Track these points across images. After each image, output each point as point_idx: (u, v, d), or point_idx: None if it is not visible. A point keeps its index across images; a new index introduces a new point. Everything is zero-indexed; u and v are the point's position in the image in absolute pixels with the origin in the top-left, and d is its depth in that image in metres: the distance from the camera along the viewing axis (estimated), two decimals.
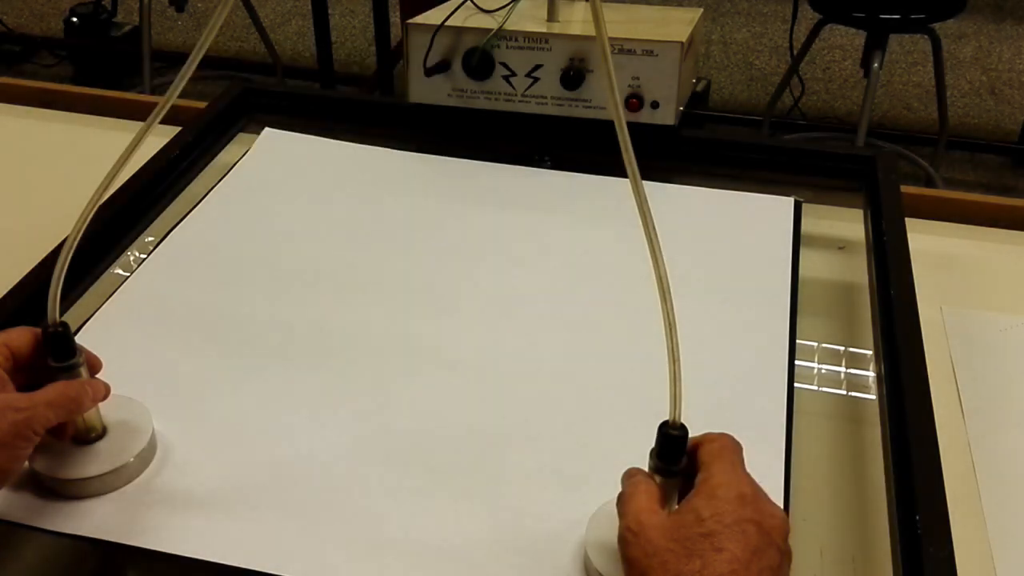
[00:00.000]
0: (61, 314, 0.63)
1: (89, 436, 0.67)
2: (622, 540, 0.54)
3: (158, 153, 1.02)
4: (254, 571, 0.63)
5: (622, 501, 0.57)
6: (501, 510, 0.67)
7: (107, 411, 0.68)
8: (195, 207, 0.99)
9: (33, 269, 0.85)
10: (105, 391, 0.66)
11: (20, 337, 0.64)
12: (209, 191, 1.02)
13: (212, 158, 1.08)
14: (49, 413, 0.61)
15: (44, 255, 0.87)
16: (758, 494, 0.55)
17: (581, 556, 0.64)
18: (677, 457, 0.57)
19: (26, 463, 0.62)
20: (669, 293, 0.59)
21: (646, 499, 0.56)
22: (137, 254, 0.94)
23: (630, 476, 0.59)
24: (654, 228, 0.59)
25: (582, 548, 0.63)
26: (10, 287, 0.83)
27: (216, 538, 0.65)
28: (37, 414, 0.60)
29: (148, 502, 0.67)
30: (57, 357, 0.63)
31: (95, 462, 0.66)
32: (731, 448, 0.58)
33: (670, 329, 0.58)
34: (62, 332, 0.63)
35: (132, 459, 0.67)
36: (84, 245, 0.88)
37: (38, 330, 0.64)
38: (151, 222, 0.98)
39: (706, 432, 0.59)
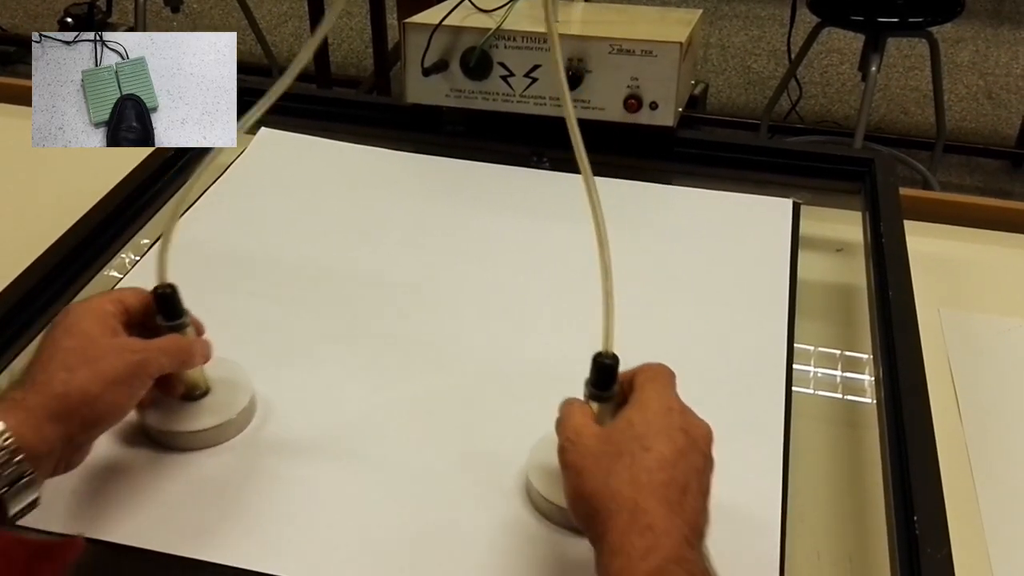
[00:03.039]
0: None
1: (195, 393, 0.73)
2: (561, 450, 0.58)
3: (153, 153, 1.02)
4: (253, 571, 0.63)
5: (559, 421, 0.60)
6: (499, 509, 0.67)
7: (210, 371, 0.73)
8: (190, 207, 0.99)
9: (29, 266, 0.85)
10: (210, 351, 0.70)
11: (133, 295, 0.67)
12: (205, 191, 1.01)
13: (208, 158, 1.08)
14: (163, 359, 0.65)
15: (37, 254, 0.86)
16: (686, 410, 0.59)
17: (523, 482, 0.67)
18: (609, 384, 0.62)
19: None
20: (606, 240, 0.67)
21: (581, 416, 0.60)
22: (131, 255, 0.94)
23: (567, 403, 0.62)
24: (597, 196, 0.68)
25: (524, 474, 0.69)
26: (9, 281, 0.83)
27: (212, 537, 0.65)
28: (152, 357, 0.64)
29: (144, 502, 0.67)
30: (167, 316, 0.68)
31: (204, 417, 0.72)
32: (664, 373, 0.62)
33: (605, 273, 0.66)
34: (171, 293, 0.68)
35: (236, 415, 0.72)
36: (78, 245, 0.89)
37: (148, 293, 0.67)
38: (146, 223, 0.98)
39: (648, 363, 0.63)
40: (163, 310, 0.68)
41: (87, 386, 0.60)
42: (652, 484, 0.54)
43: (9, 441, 0.56)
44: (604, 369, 0.62)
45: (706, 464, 0.57)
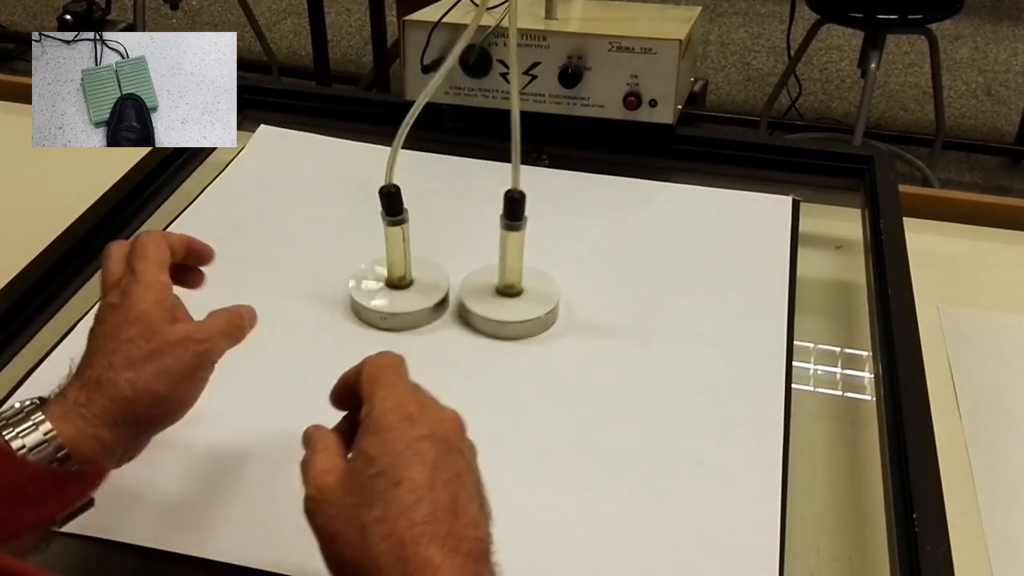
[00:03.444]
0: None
1: (402, 284, 0.85)
2: (307, 512, 0.51)
3: (153, 150, 1.02)
4: (252, 569, 0.63)
5: (302, 468, 0.53)
6: (497, 509, 0.67)
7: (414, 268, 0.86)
8: (190, 204, 0.99)
9: (28, 264, 0.85)
10: (255, 314, 0.67)
11: (179, 241, 0.66)
12: (204, 189, 1.01)
13: (207, 155, 1.08)
14: (223, 343, 0.62)
15: (36, 252, 0.87)
16: (424, 405, 0.53)
17: None
18: (519, 215, 0.72)
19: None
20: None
21: (324, 458, 0.52)
22: None
23: (307, 437, 0.55)
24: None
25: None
26: (8, 280, 0.83)
27: (208, 538, 0.65)
28: (215, 345, 0.61)
29: (141, 500, 0.67)
30: (390, 212, 0.80)
31: (412, 301, 0.84)
32: (388, 366, 0.55)
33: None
34: (396, 192, 0.80)
35: (432, 305, 0.84)
36: (78, 243, 0.89)
37: (161, 232, 0.65)
38: (146, 220, 0.98)
39: (367, 357, 0.56)
40: (387, 208, 0.81)
41: (155, 386, 0.57)
42: (415, 529, 0.47)
43: (62, 453, 0.53)
44: (513, 202, 0.75)
45: (464, 461, 0.52)
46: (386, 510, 0.48)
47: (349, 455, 0.52)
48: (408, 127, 0.78)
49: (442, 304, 0.86)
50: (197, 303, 0.67)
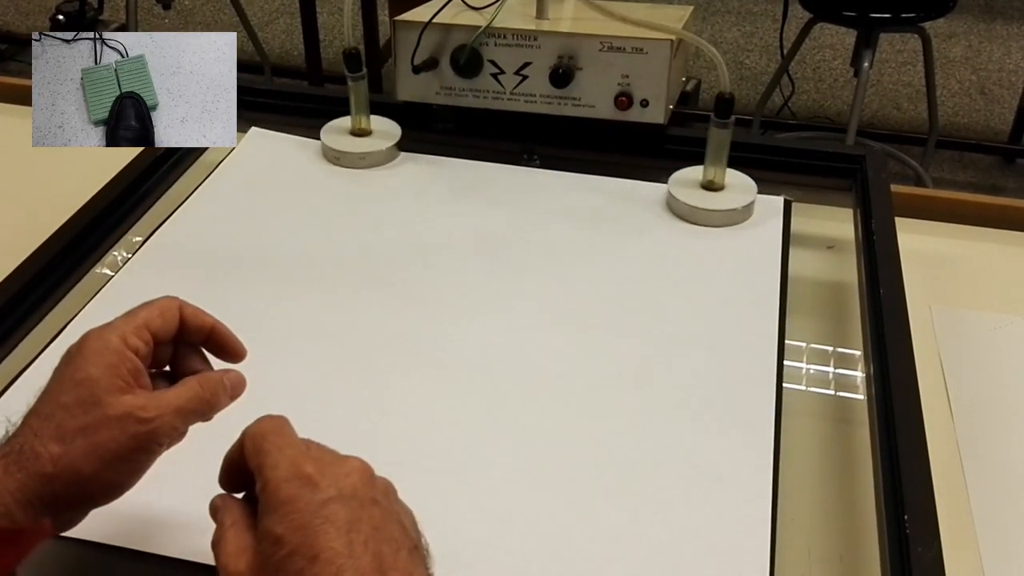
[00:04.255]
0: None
1: (363, 133, 1.07)
2: None
3: (144, 151, 1.02)
4: None
5: (213, 548, 0.48)
6: (491, 510, 0.67)
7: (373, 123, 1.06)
8: (180, 206, 0.98)
9: (20, 264, 0.85)
10: (243, 384, 0.59)
11: (161, 317, 0.57)
12: (195, 190, 1.01)
13: (198, 156, 1.08)
14: (177, 422, 0.54)
15: (29, 251, 0.86)
16: (322, 463, 0.48)
17: None
18: (728, 113, 0.93)
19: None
20: None
21: (233, 536, 0.48)
22: (123, 253, 0.94)
23: (214, 509, 0.50)
24: None
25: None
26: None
27: (202, 538, 0.64)
28: (163, 425, 0.53)
29: (134, 504, 0.66)
30: (352, 69, 1.02)
31: (368, 146, 1.06)
32: (271, 431, 0.50)
33: None
34: (357, 52, 1.02)
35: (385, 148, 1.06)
36: (69, 243, 0.89)
37: (178, 307, 0.59)
38: (137, 221, 0.97)
39: (245, 428, 0.51)
40: (349, 66, 1.02)
41: (79, 465, 0.51)
42: None
43: None
44: (724, 102, 0.91)
45: (381, 510, 0.47)
46: None
47: (256, 536, 0.47)
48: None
49: (395, 147, 1.06)
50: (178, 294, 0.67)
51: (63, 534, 0.59)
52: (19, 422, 0.53)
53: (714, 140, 0.97)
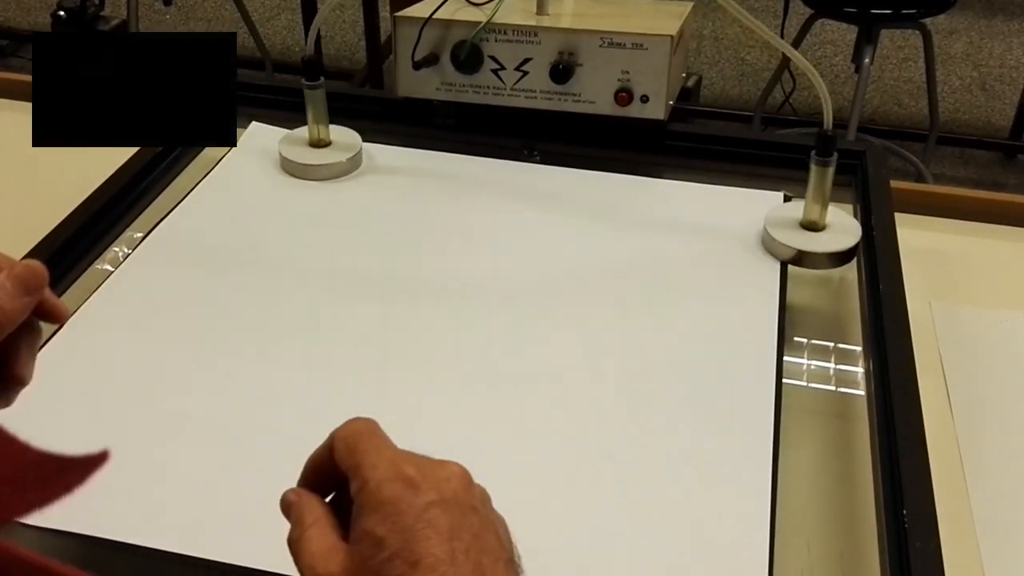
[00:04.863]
0: None
1: (321, 144, 1.04)
2: None
3: (143, 147, 1.02)
4: (250, 569, 0.63)
5: (293, 547, 0.47)
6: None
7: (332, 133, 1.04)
8: (181, 201, 0.98)
9: (24, 257, 0.84)
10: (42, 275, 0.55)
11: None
12: (195, 186, 1.01)
13: (198, 152, 1.08)
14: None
15: (29, 247, 0.86)
16: (422, 466, 0.46)
17: None
18: (830, 151, 0.86)
19: None
20: None
21: (318, 536, 0.46)
22: (124, 248, 0.94)
23: (288, 505, 0.49)
24: None
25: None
26: None
27: (201, 535, 0.64)
28: None
29: (134, 499, 0.67)
30: (311, 78, 1.00)
31: (326, 157, 1.03)
32: (365, 432, 0.48)
33: None
34: (317, 60, 1.00)
35: (347, 160, 1.03)
36: (70, 239, 0.89)
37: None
38: (137, 216, 0.97)
39: (331, 432, 0.49)
40: (307, 74, 1.00)
41: None
42: None
43: None
44: (826, 139, 0.87)
45: (479, 518, 0.46)
46: None
47: (350, 537, 0.45)
48: None
49: (355, 159, 1.04)
50: (186, 297, 0.67)
51: (58, 528, 0.61)
52: None
53: (815, 177, 0.91)
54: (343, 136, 1.05)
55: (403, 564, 0.42)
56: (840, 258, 0.91)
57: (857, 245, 0.91)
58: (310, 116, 1.03)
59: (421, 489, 0.45)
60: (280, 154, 1.03)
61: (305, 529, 0.46)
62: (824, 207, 0.92)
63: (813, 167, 0.90)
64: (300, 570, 0.45)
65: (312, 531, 0.46)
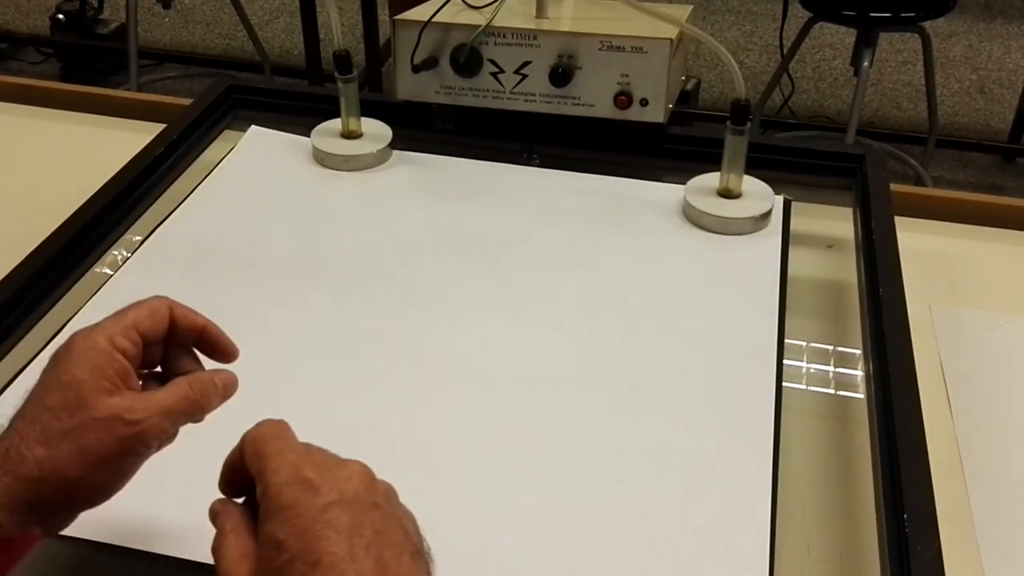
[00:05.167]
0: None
1: (353, 136, 1.07)
2: None
3: (143, 150, 1.02)
4: None
5: (213, 553, 0.48)
6: (491, 510, 0.67)
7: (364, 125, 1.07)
8: (180, 204, 0.98)
9: (19, 263, 0.85)
10: (235, 385, 0.58)
11: (150, 318, 0.56)
12: (194, 189, 1.01)
13: (197, 156, 1.08)
14: (165, 423, 0.53)
15: (28, 250, 0.86)
16: (323, 467, 0.48)
17: None
18: (743, 120, 0.89)
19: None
20: None
21: (234, 542, 0.47)
22: (123, 252, 0.94)
23: (214, 515, 0.50)
24: None
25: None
26: None
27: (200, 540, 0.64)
28: (151, 428, 0.52)
29: (134, 503, 0.66)
30: (343, 71, 1.03)
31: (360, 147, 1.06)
32: (271, 435, 0.49)
33: None
34: (347, 54, 1.01)
35: (376, 151, 1.05)
36: (68, 243, 0.89)
37: (168, 307, 0.57)
38: (136, 220, 0.97)
39: (242, 434, 0.51)
40: (340, 68, 1.02)
41: (66, 469, 0.50)
42: None
43: None
44: (739, 108, 0.89)
45: (382, 514, 0.47)
46: None
47: (257, 541, 0.47)
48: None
49: (386, 150, 1.06)
50: (185, 300, 0.67)
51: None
52: (6, 424, 0.52)
53: (730, 147, 0.95)
54: (375, 128, 1.08)
55: (303, 565, 0.43)
56: (755, 223, 0.95)
57: (770, 211, 0.96)
58: (343, 108, 1.06)
59: (320, 491, 0.46)
60: (312, 145, 1.06)
61: (224, 537, 0.48)
62: (740, 176, 0.97)
63: (728, 136, 0.94)
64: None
65: (229, 539, 0.47)
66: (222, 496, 0.52)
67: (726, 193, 0.97)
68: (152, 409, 0.53)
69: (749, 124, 0.94)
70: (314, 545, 0.44)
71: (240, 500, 0.51)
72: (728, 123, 0.93)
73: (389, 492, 0.50)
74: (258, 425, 0.50)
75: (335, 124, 1.08)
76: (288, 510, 0.45)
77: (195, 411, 0.55)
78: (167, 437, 0.55)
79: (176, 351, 0.59)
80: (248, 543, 0.47)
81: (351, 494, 0.47)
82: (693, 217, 0.96)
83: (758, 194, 0.97)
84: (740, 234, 0.95)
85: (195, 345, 0.60)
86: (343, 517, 0.45)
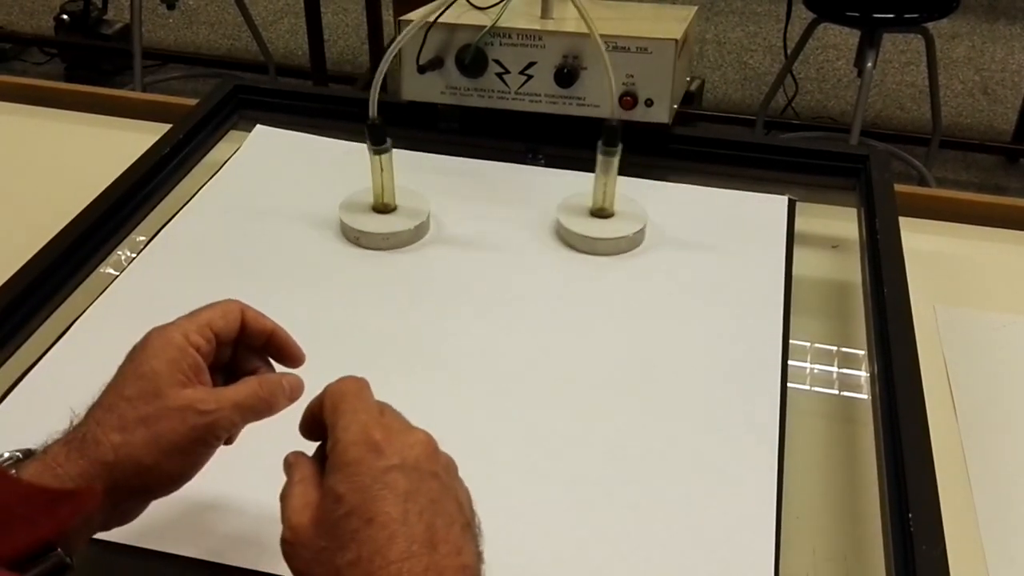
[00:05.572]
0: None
1: (387, 209, 0.95)
2: (284, 555, 0.49)
3: (149, 150, 1.02)
4: (251, 571, 0.63)
5: (281, 501, 0.51)
6: (496, 511, 0.67)
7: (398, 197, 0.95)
8: (186, 205, 0.99)
9: (25, 264, 0.85)
10: (301, 388, 0.60)
11: (223, 317, 0.59)
12: (200, 189, 1.01)
13: (203, 156, 1.08)
14: (236, 416, 0.55)
15: (34, 250, 0.86)
16: (391, 431, 0.50)
17: None
18: (615, 142, 0.85)
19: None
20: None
21: (299, 492, 0.50)
22: (128, 252, 0.94)
23: (287, 465, 0.53)
24: None
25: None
26: (4, 279, 0.83)
27: (212, 538, 0.65)
28: (222, 419, 0.55)
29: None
30: (376, 142, 0.90)
31: (392, 224, 0.93)
32: (349, 392, 0.52)
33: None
34: (380, 124, 0.89)
35: (414, 227, 0.93)
36: (73, 243, 0.89)
37: (239, 308, 0.60)
38: (141, 220, 0.98)
39: (328, 384, 0.53)
40: (373, 138, 0.90)
41: (140, 455, 0.52)
42: (391, 568, 0.45)
43: None
44: (610, 130, 0.84)
45: (440, 484, 0.49)
46: (360, 551, 0.45)
47: (320, 492, 0.49)
48: (388, 60, 0.90)
49: (422, 227, 0.94)
50: (192, 299, 0.67)
51: None
52: (83, 413, 0.54)
53: (601, 167, 0.93)
54: (410, 201, 0.97)
55: (358, 520, 0.46)
56: (628, 243, 0.93)
57: (643, 229, 0.94)
58: (374, 180, 0.95)
59: (384, 454, 0.48)
60: (340, 220, 0.95)
61: (292, 486, 0.50)
62: (611, 195, 0.94)
63: (600, 156, 0.91)
64: (282, 523, 0.49)
65: (297, 488, 0.50)
66: (296, 451, 0.54)
67: (600, 213, 0.95)
68: (223, 402, 0.55)
69: (620, 146, 0.90)
70: (371, 504, 0.46)
71: (312, 455, 0.53)
72: (600, 143, 0.91)
73: (449, 465, 0.52)
74: (340, 380, 0.53)
75: (366, 196, 0.97)
76: (351, 467, 0.48)
77: (263, 409, 0.57)
78: (235, 430, 0.57)
79: (245, 352, 0.61)
80: (313, 495, 0.49)
81: (412, 460, 0.49)
82: (564, 237, 0.94)
83: (631, 215, 0.95)
84: (610, 255, 0.92)
85: (263, 348, 0.62)
86: (401, 481, 0.47)
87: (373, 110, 0.89)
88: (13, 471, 0.51)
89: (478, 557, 0.48)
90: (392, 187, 0.95)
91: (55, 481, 0.51)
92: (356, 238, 0.93)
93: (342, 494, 0.47)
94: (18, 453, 0.53)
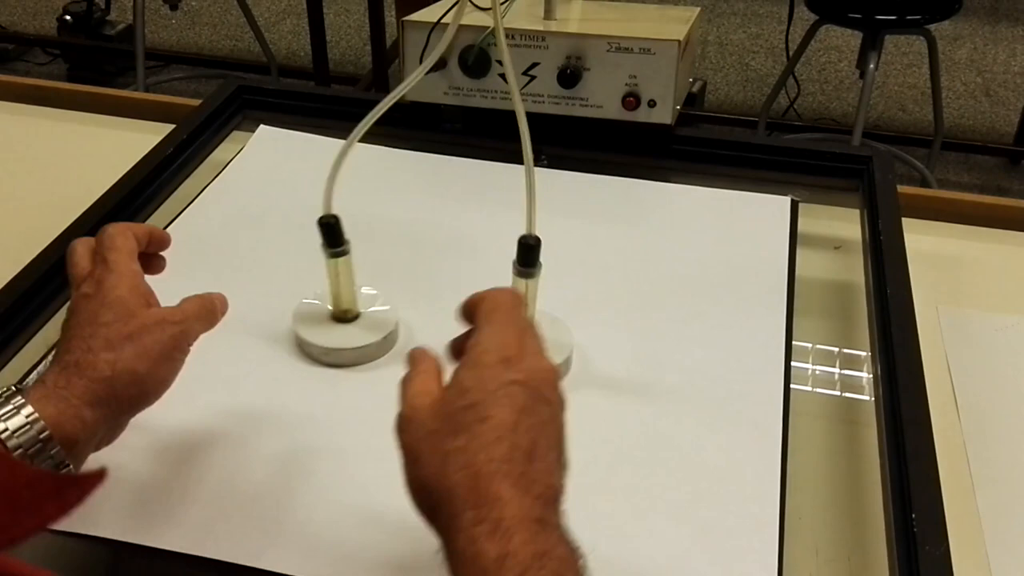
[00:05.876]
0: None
1: (347, 317, 0.81)
2: (397, 428, 0.53)
3: (152, 150, 1.02)
4: (252, 568, 0.63)
5: (401, 385, 0.55)
6: None
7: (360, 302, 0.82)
8: (189, 205, 0.99)
9: (29, 263, 0.85)
10: (226, 302, 0.70)
11: (142, 231, 0.68)
12: (204, 189, 1.01)
13: (206, 156, 1.08)
14: (198, 326, 0.65)
15: (37, 251, 0.86)
16: (525, 351, 0.54)
17: None
18: (533, 262, 0.70)
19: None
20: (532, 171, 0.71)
21: (422, 380, 0.55)
22: None
23: (411, 358, 0.57)
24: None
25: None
26: (6, 280, 0.83)
27: (213, 535, 0.65)
28: (191, 328, 0.64)
29: (146, 500, 0.67)
30: (331, 244, 0.77)
31: (354, 337, 0.80)
32: (504, 305, 0.57)
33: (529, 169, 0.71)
34: (335, 223, 0.76)
35: (381, 339, 0.80)
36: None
37: (140, 227, 0.68)
38: (145, 220, 0.98)
39: (490, 290, 0.58)
40: (328, 239, 0.77)
41: (134, 365, 0.59)
42: (492, 465, 0.48)
43: (44, 434, 0.55)
44: (528, 249, 0.71)
45: (552, 411, 0.53)
46: (469, 442, 0.49)
47: (446, 381, 0.54)
48: (359, 134, 0.81)
49: (388, 339, 0.81)
50: (190, 291, 0.68)
51: (69, 531, 0.62)
52: (57, 351, 0.60)
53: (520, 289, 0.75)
54: (372, 304, 0.84)
55: (474, 415, 0.50)
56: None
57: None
58: (331, 287, 0.81)
59: (513, 367, 0.53)
60: (296, 334, 0.82)
61: (415, 374, 0.55)
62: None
63: (515, 277, 0.74)
64: (400, 402, 0.54)
65: (419, 376, 0.55)
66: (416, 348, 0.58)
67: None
68: (187, 314, 0.64)
69: (540, 265, 0.74)
70: (490, 405, 0.51)
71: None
72: (515, 264, 0.74)
73: (563, 402, 0.55)
74: (500, 291, 0.58)
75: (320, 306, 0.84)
76: (482, 369, 0.52)
77: (211, 319, 0.67)
78: (195, 337, 0.65)
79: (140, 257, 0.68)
80: (434, 386, 0.54)
81: (535, 382, 0.53)
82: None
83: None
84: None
85: (147, 247, 0.69)
86: (520, 396, 0.51)
87: (327, 206, 0.77)
88: (20, 397, 0.56)
89: (562, 487, 0.52)
90: (354, 292, 0.82)
91: (62, 402, 0.56)
92: (319, 355, 0.81)
93: (468, 388, 0.52)
94: (12, 387, 0.58)
